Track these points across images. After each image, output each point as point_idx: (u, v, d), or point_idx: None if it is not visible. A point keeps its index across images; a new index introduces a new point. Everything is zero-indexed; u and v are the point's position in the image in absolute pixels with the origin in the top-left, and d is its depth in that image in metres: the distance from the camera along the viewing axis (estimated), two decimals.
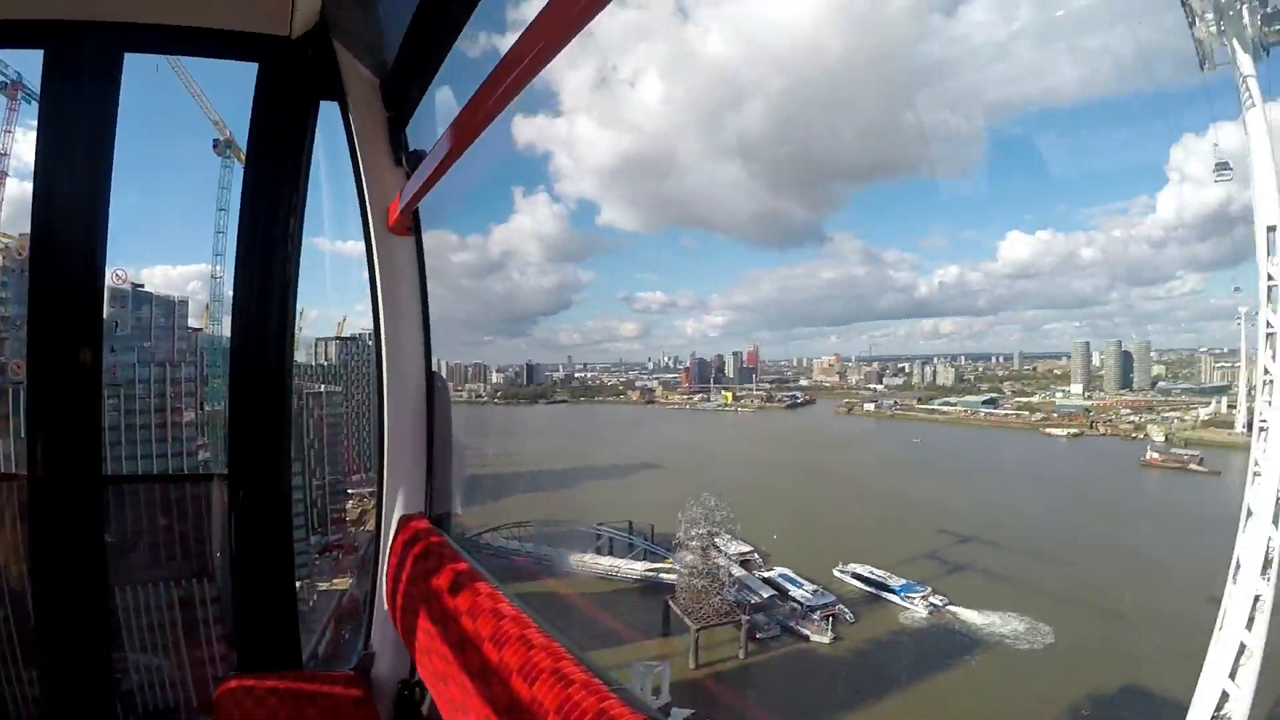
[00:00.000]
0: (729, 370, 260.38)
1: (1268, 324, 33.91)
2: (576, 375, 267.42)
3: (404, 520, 6.52)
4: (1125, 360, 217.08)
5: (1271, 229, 33.80)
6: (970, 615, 78.57)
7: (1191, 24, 35.09)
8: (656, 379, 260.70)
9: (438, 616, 4.66)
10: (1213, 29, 34.11)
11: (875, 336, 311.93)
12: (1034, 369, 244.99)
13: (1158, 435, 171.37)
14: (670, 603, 73.78)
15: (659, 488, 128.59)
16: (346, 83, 6.21)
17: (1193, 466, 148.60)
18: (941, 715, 60.25)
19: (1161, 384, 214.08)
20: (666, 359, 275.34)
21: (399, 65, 5.94)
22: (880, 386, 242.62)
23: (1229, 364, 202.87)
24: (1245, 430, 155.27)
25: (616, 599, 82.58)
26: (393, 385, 6.91)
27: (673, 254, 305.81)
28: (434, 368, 7.42)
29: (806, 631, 74.38)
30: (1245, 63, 34.00)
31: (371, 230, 6.52)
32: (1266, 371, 33.90)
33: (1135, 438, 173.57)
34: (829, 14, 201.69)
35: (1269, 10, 32.93)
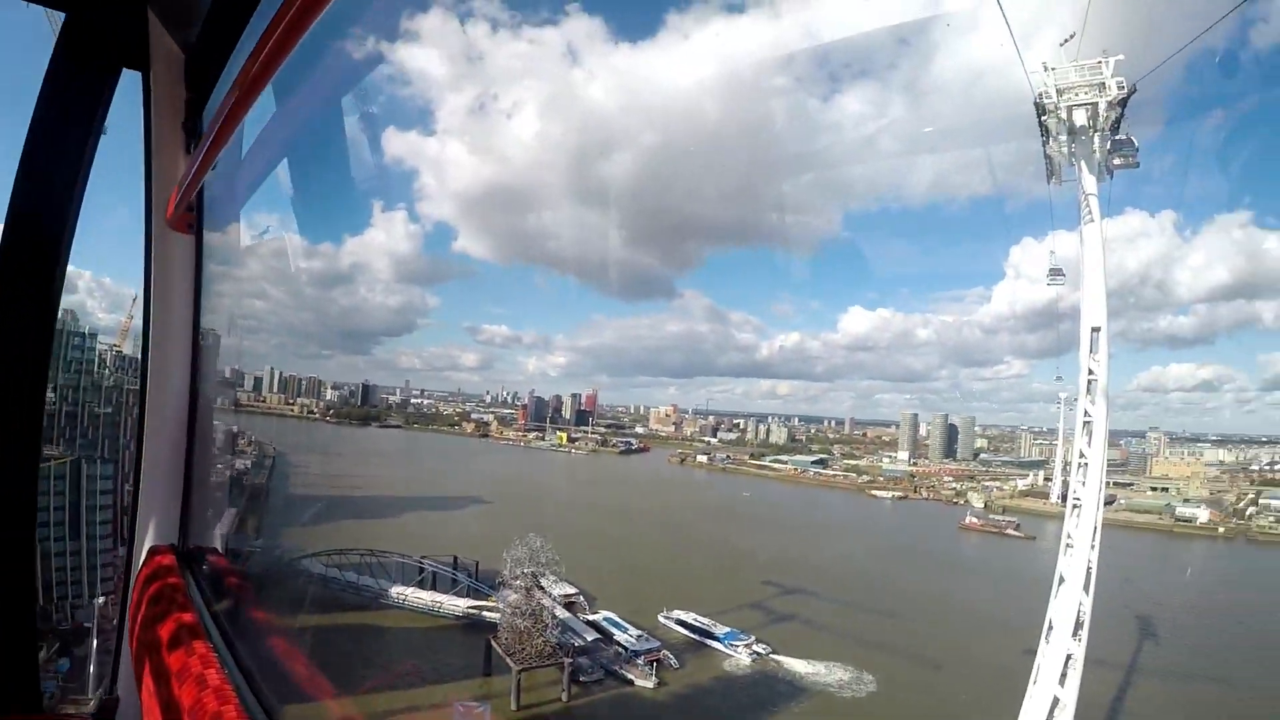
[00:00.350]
0: (566, 412, 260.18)
1: (1085, 413, 37.08)
2: (413, 401, 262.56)
3: (152, 552, 6.14)
4: (950, 432, 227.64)
5: (1095, 330, 36.76)
6: (795, 664, 78.93)
7: (1045, 143, 37.64)
8: (493, 413, 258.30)
9: (157, 671, 4.32)
10: (1064, 149, 36.70)
11: (713, 392, 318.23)
12: (864, 435, 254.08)
13: (977, 501, 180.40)
14: (492, 642, 71.24)
15: (486, 524, 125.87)
16: (152, 52, 5.62)
17: (1009, 531, 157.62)
18: None
19: (983, 455, 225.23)
20: (505, 394, 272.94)
21: (203, 40, 5.47)
22: (715, 440, 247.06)
23: (1046, 441, 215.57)
24: (1059, 501, 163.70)
25: (438, 636, 79.51)
26: (153, 403, 6.31)
27: (523, 290, 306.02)
28: (211, 381, 7.26)
29: (630, 676, 73.27)
30: (1089, 182, 36.93)
31: (152, 223, 6.00)
32: (1082, 455, 36.66)
33: (956, 503, 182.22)
34: (711, 82, 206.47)
35: (1118, 138, 35.82)
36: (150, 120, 5.80)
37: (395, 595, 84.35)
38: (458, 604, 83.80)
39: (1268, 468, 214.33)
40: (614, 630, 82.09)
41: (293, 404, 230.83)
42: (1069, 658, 34.76)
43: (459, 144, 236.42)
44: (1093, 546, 35.03)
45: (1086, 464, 35.85)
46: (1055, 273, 63.74)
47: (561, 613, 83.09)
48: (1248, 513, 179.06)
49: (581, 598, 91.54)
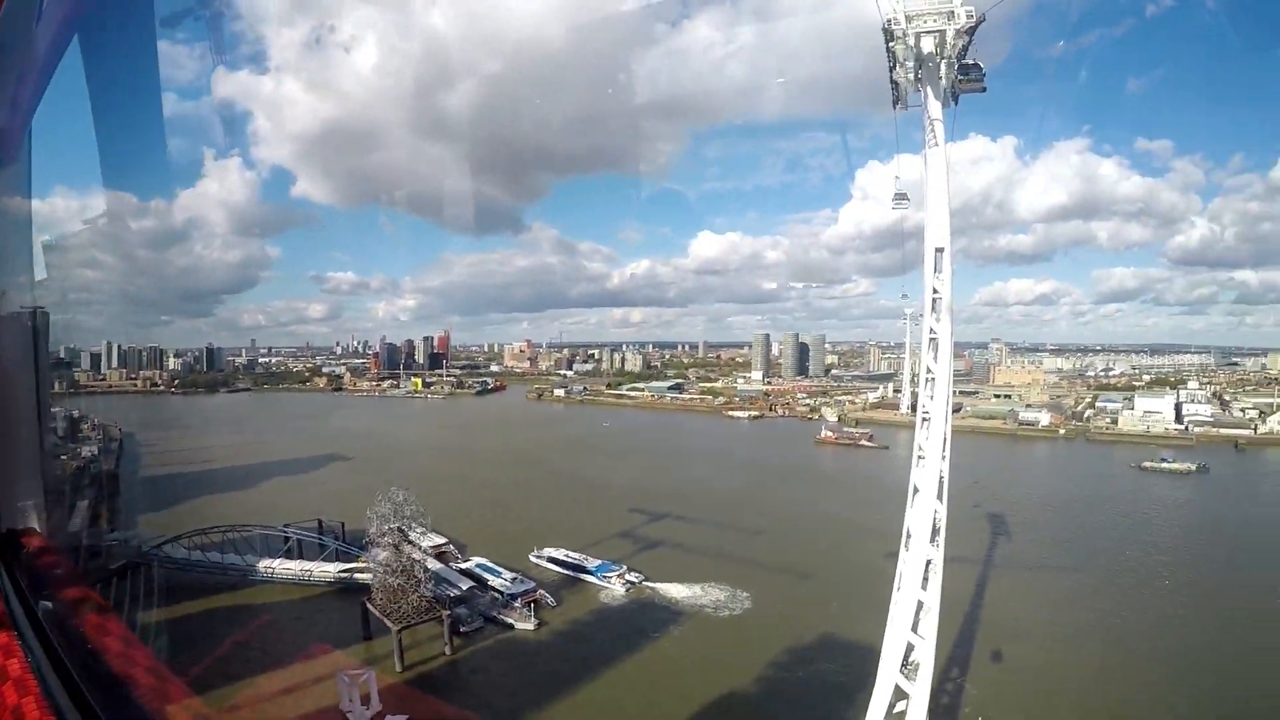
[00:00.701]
0: (419, 356, 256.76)
1: (931, 330, 37.96)
2: (261, 360, 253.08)
3: None
4: (802, 350, 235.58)
5: (939, 250, 37.86)
6: (670, 588, 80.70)
7: (892, 68, 37.78)
8: (345, 364, 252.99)
9: None
10: (910, 76, 36.91)
11: (567, 324, 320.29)
12: (718, 357, 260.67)
13: (831, 416, 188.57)
14: (368, 605, 69.90)
15: (349, 481, 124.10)
16: None
17: (864, 442, 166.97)
18: (649, 683, 60.91)
19: (835, 372, 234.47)
20: (356, 343, 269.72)
21: None
22: (570, 373, 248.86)
23: (895, 355, 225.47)
24: (909, 411, 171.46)
25: (312, 605, 77.94)
26: None
27: (368, 233, 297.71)
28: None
29: (510, 620, 73.49)
30: (935, 108, 37.22)
31: None
32: (929, 370, 37.77)
33: (811, 418, 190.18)
34: (557, 5, 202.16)
35: (966, 62, 35.89)
36: None
37: (263, 569, 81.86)
38: (328, 569, 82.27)
39: (1101, 374, 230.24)
40: (488, 576, 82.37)
41: (135, 379, 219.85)
42: (929, 563, 36.30)
43: (295, 81, 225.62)
44: (943, 458, 36.59)
45: (934, 379, 37.16)
46: (900, 197, 65.35)
47: (434, 564, 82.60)
48: (1085, 415, 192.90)
49: (452, 547, 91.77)
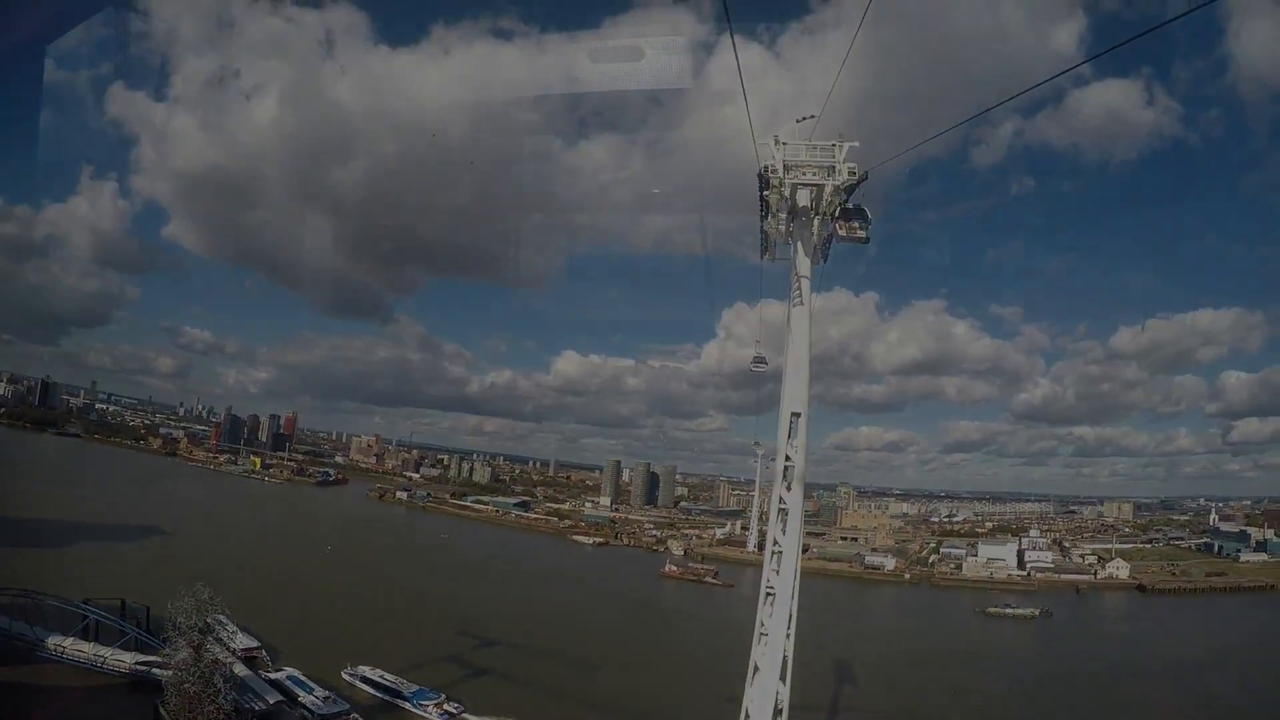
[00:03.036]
0: (263, 434, 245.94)
1: (781, 500, 37.67)
2: (99, 405, 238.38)
3: None
4: (652, 480, 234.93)
5: (795, 415, 37.68)
6: None
7: (764, 217, 37.33)
8: (185, 429, 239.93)
9: None
10: (781, 227, 36.59)
11: (420, 423, 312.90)
12: (568, 478, 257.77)
13: (677, 549, 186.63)
14: (160, 708, 64.26)
15: (163, 558, 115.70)
16: None
17: (709, 580, 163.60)
18: None
19: (684, 504, 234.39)
20: (201, 408, 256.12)
21: None
22: (416, 475, 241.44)
23: (744, 492, 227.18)
24: (755, 549, 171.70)
25: (99, 698, 70.77)
26: None
27: (231, 292, 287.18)
28: None
29: None
30: (804, 264, 36.82)
31: None
32: (782, 500, 37.03)
33: (657, 550, 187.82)
34: (464, 103, 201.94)
35: (849, 206, 35.11)
36: None
37: (52, 646, 74.97)
38: (123, 658, 75.43)
39: (946, 520, 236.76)
40: (299, 691, 76.68)
41: None
42: (778, 697, 36.14)
43: (189, 116, 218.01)
44: (792, 596, 36.19)
45: (781, 553, 36.51)
46: (759, 361, 66.40)
47: (241, 669, 76.71)
48: (930, 560, 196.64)
49: (264, 651, 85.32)
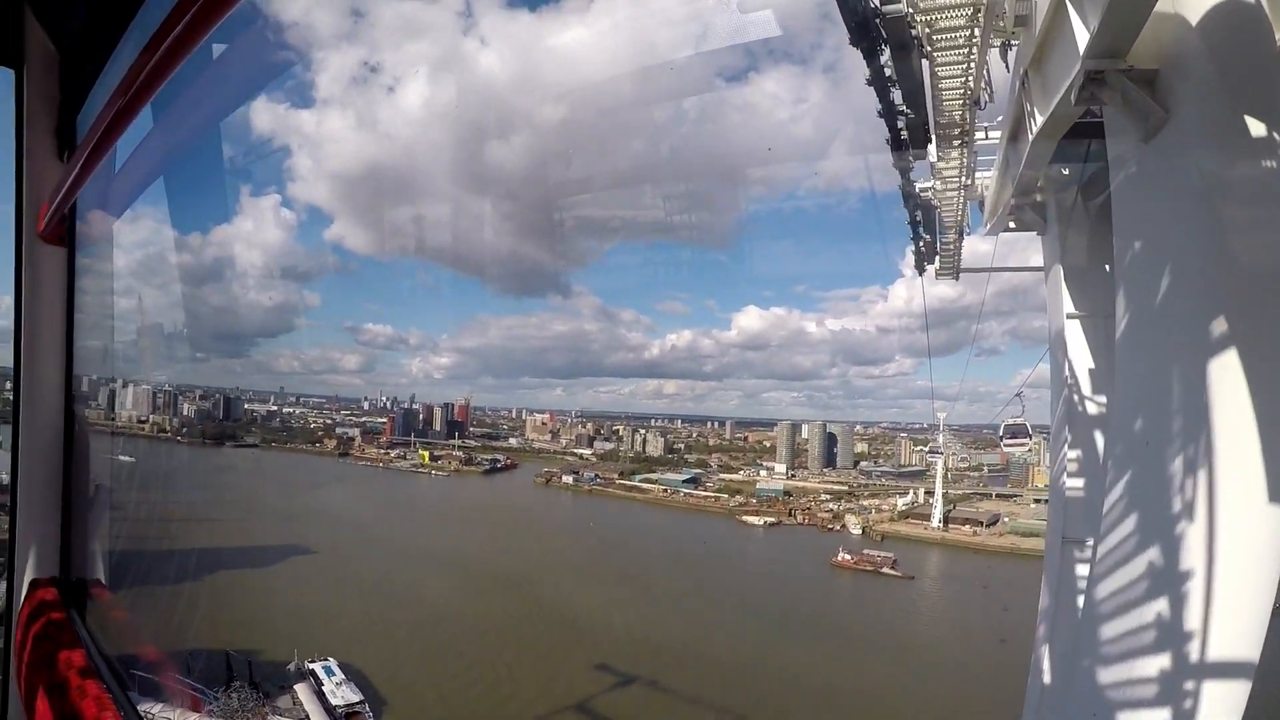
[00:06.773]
0: (436, 423, 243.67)
1: None
2: (286, 409, 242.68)
3: (34, 586, 5.94)
4: (830, 440, 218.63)
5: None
6: None
7: None
8: (361, 425, 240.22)
9: (49, 717, 4.39)
10: None
11: (600, 393, 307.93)
12: (745, 438, 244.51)
13: (854, 526, 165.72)
14: None
15: (293, 587, 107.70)
16: (27, 46, 5.50)
17: (885, 570, 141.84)
18: None
19: (863, 465, 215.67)
20: (385, 399, 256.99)
21: (81, 37, 5.34)
22: (588, 452, 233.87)
23: (925, 442, 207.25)
24: (940, 524, 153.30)
25: None
26: (27, 423, 6.14)
27: (405, 286, 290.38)
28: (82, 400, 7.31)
29: None
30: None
31: (23, 234, 5.89)
32: None
33: (832, 528, 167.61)
34: (615, 54, 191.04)
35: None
36: (22, 124, 5.44)
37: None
38: None
39: None
40: None
41: (145, 422, 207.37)
42: None
43: (339, 117, 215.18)
44: None
45: None
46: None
47: None
48: None
49: (366, 707, 73.95)
